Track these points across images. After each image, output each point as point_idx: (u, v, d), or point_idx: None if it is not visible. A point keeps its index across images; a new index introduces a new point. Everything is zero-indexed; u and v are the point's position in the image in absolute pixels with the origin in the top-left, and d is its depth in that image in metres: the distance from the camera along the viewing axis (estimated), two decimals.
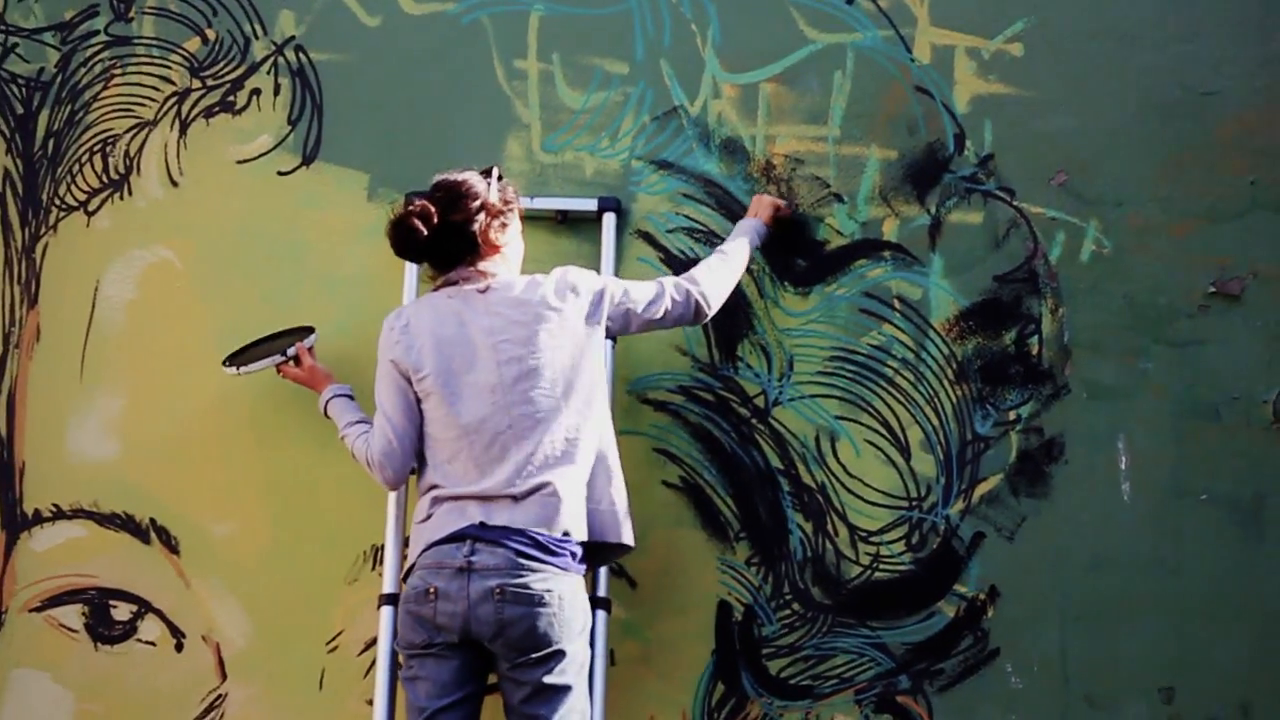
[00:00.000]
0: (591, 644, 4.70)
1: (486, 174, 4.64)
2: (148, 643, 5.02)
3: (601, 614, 4.79)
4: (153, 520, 5.04)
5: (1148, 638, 5.03)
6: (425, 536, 4.44)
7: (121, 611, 5.03)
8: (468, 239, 4.56)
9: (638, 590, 5.02)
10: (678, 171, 5.22)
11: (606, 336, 4.68)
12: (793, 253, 5.17)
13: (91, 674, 5.01)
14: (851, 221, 5.20)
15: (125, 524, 5.04)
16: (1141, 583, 5.06)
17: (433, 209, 4.52)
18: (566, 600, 4.36)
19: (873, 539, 5.09)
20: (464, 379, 4.47)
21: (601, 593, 4.82)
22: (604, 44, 5.27)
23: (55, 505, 5.05)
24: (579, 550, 4.44)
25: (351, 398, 4.79)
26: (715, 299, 4.82)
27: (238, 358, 4.91)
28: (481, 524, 4.37)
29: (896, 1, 5.28)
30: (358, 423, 4.68)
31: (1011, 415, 5.13)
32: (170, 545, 5.04)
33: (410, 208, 4.52)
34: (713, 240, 5.16)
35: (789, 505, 5.08)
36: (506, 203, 4.62)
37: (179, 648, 5.02)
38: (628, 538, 4.57)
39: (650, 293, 4.72)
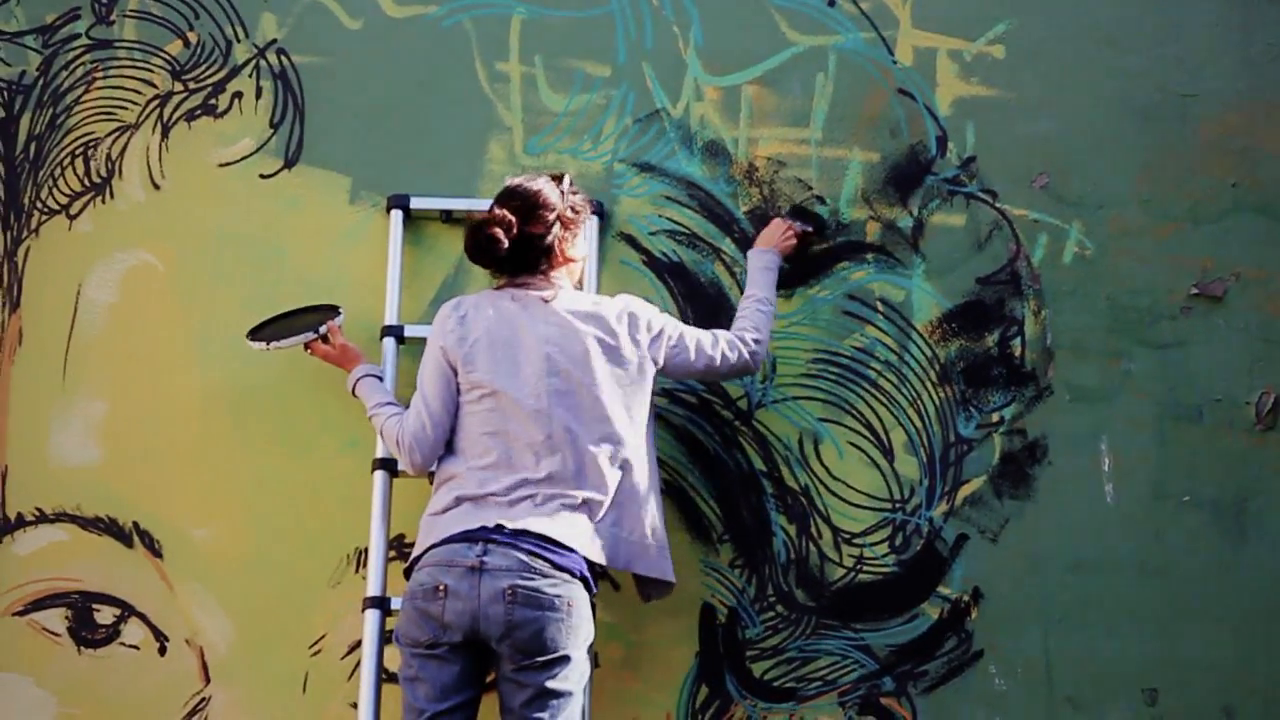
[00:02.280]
0: None
1: (557, 180, 4.64)
2: (131, 646, 5.01)
3: None
4: (136, 524, 5.03)
5: (1131, 639, 5.04)
6: (438, 531, 4.43)
7: (104, 615, 5.02)
8: (543, 251, 4.57)
9: (621, 593, 5.01)
10: (660, 174, 5.22)
11: (661, 370, 4.69)
12: None
13: (74, 678, 4.99)
14: (833, 223, 5.20)
15: (108, 528, 5.03)
16: (1125, 584, 5.07)
17: (513, 219, 4.51)
18: (576, 608, 4.36)
19: (856, 541, 5.09)
20: (512, 382, 4.48)
21: None
22: (586, 47, 5.26)
23: (38, 509, 5.04)
24: (585, 569, 4.43)
25: (381, 379, 4.81)
26: (765, 353, 4.86)
27: (260, 332, 4.90)
28: (498, 525, 4.37)
29: (878, 4, 5.28)
30: (388, 404, 4.71)
31: (995, 417, 5.14)
32: (153, 549, 5.03)
33: (490, 216, 4.52)
34: (695, 243, 5.17)
35: (773, 508, 5.08)
36: (577, 212, 4.63)
37: (162, 651, 5.01)
38: (659, 572, 4.59)
39: (706, 343, 4.73)
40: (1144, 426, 5.14)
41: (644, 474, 4.59)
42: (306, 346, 4.90)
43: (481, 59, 5.25)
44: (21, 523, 5.04)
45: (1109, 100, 5.27)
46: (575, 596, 4.36)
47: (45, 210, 5.17)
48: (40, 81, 5.23)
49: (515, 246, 4.53)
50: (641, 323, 4.63)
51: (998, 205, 5.21)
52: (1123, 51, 5.28)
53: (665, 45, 5.27)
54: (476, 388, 4.51)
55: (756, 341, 4.82)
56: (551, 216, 4.56)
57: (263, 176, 5.20)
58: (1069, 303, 5.18)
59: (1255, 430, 5.15)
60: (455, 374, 4.55)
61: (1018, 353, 5.17)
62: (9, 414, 5.09)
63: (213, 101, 5.23)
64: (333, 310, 4.94)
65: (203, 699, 4.99)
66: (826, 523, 5.09)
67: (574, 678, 4.37)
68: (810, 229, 5.16)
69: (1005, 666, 5.04)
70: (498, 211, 4.53)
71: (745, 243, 5.16)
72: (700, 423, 5.10)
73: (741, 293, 5.10)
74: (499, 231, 4.49)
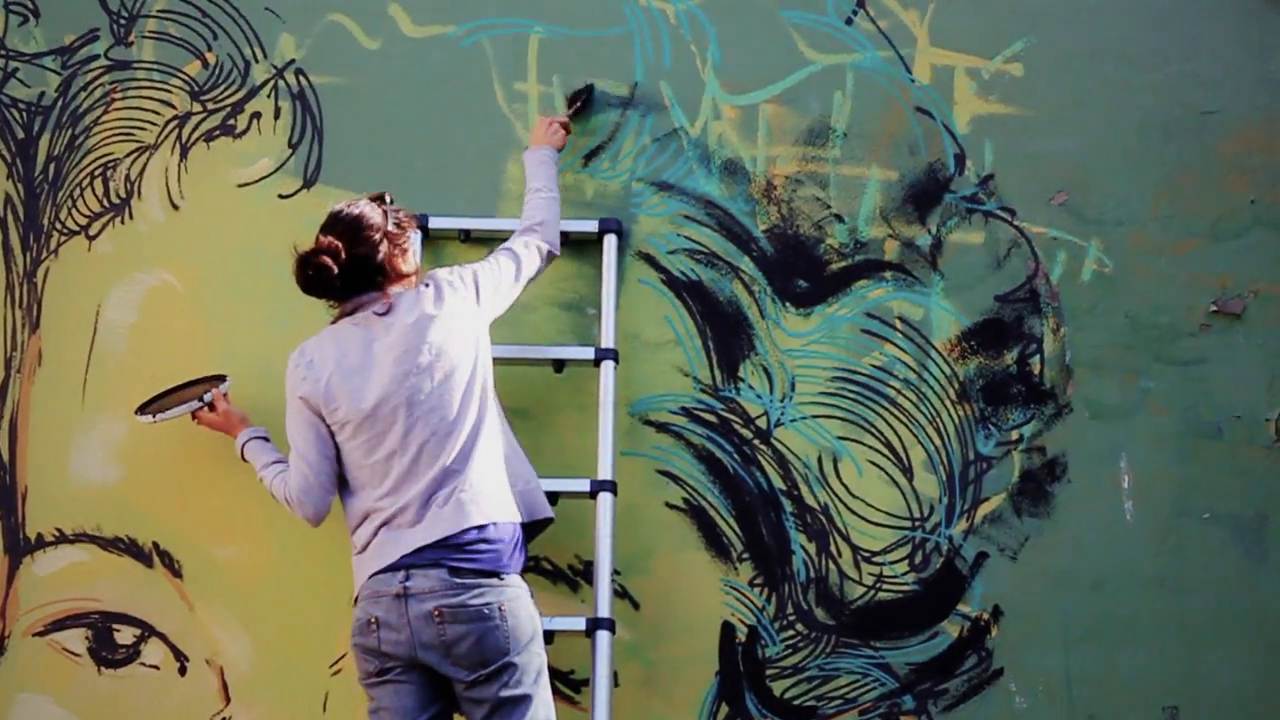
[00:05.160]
0: (594, 665, 4.76)
1: (378, 200, 4.64)
2: (151, 666, 5.02)
3: (605, 635, 4.80)
4: (155, 544, 5.04)
5: (1152, 657, 5.04)
6: (366, 567, 4.48)
7: (125, 635, 5.02)
8: (374, 269, 4.56)
9: (641, 611, 5.02)
10: (678, 193, 5.22)
11: (498, 312, 4.73)
12: (794, 274, 5.18)
13: (95, 698, 5.00)
14: (852, 241, 5.21)
15: (128, 548, 5.04)
16: (1145, 602, 5.06)
17: (339, 244, 4.51)
18: (509, 611, 4.37)
19: (876, 559, 5.09)
20: (377, 402, 4.47)
21: (605, 614, 4.82)
22: (604, 66, 5.27)
23: (58, 529, 5.05)
24: (515, 539, 4.48)
25: (267, 439, 4.81)
26: (557, 242, 4.93)
27: (150, 406, 4.93)
28: (417, 550, 4.39)
29: (896, 22, 5.29)
30: (275, 463, 4.72)
31: (1014, 435, 5.14)
32: (173, 569, 5.03)
33: (317, 245, 4.51)
34: (714, 262, 5.17)
35: (792, 526, 5.08)
36: (402, 228, 4.62)
37: (182, 671, 5.02)
38: (549, 510, 4.68)
39: (512, 265, 4.77)
40: (1164, 444, 5.14)
41: (501, 425, 4.64)
42: (194, 415, 4.92)
43: (500, 78, 5.26)
44: (42, 543, 5.05)
45: (1127, 117, 5.27)
46: (505, 599, 4.39)
47: (65, 231, 5.18)
48: (59, 102, 5.24)
49: (346, 271, 4.51)
50: (456, 283, 4.63)
51: (1016, 223, 5.22)
52: (1141, 69, 5.29)
53: (683, 64, 5.27)
54: (346, 424, 4.51)
55: (541, 224, 4.89)
56: (377, 236, 4.54)
57: (281, 196, 5.21)
58: (1088, 320, 5.18)
59: (1275, 447, 5.14)
60: (322, 419, 4.55)
61: (1037, 370, 5.16)
62: (29, 434, 5.09)
63: (231, 122, 5.24)
64: (218, 379, 4.96)
65: (223, 719, 4.99)
66: (846, 541, 5.09)
67: (527, 681, 4.39)
68: (579, 103, 5.20)
69: (1026, 684, 5.04)
70: (323, 240, 4.52)
71: (764, 261, 5.17)
72: (719, 441, 5.11)
73: (760, 312, 5.12)
74: (327, 259, 4.48)
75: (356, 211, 4.56)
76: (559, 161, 5.08)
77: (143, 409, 4.92)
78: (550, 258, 4.89)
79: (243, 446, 4.81)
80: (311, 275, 4.49)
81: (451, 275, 4.65)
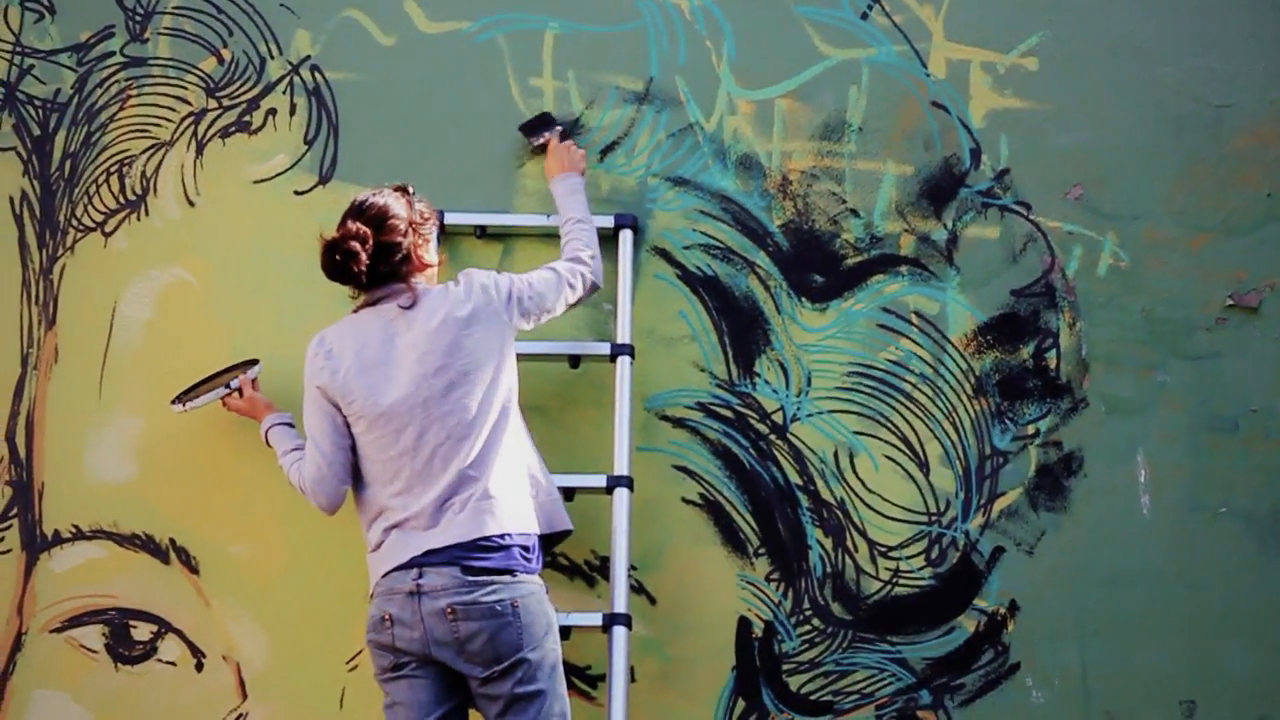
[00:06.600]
0: (611, 661, 4.77)
1: (401, 190, 4.64)
2: (168, 663, 5.02)
3: (622, 630, 4.80)
4: (172, 540, 5.04)
5: (1168, 651, 5.04)
6: (379, 566, 4.48)
7: (141, 632, 5.03)
8: (400, 259, 4.56)
9: (658, 607, 5.02)
10: (694, 188, 5.22)
11: (527, 326, 4.69)
12: (809, 269, 5.18)
13: (112, 694, 5.00)
14: (867, 236, 5.21)
15: (145, 544, 5.04)
16: (1161, 596, 5.07)
17: (367, 231, 4.51)
18: (522, 608, 4.38)
19: (892, 554, 5.09)
20: (394, 400, 4.47)
21: (621, 609, 4.82)
22: (619, 61, 5.27)
23: (75, 526, 5.05)
24: (530, 545, 4.47)
25: (291, 425, 4.82)
26: (602, 275, 4.90)
27: (185, 396, 4.94)
28: (428, 551, 4.40)
29: (911, 17, 5.29)
30: (295, 450, 4.72)
31: (1030, 429, 5.14)
32: (190, 565, 5.04)
33: (345, 231, 4.51)
34: (729, 257, 5.17)
35: (808, 521, 5.09)
36: (425, 218, 4.64)
37: (199, 667, 5.02)
38: (569, 523, 4.65)
39: (552, 282, 4.74)
40: (1179, 438, 5.14)
41: (525, 435, 4.64)
42: (223, 402, 4.94)
43: (515, 74, 5.26)
44: (58, 540, 5.05)
45: (1143, 112, 5.27)
46: (519, 595, 4.39)
47: (81, 228, 5.18)
48: (75, 99, 5.25)
49: (373, 260, 4.51)
50: (490, 288, 4.60)
51: (1032, 217, 5.22)
52: (1156, 63, 5.29)
53: (698, 59, 5.27)
54: (362, 417, 4.50)
55: (592, 258, 4.86)
56: (403, 225, 4.55)
57: (297, 193, 5.22)
58: (1104, 314, 5.19)
59: None
60: (338, 409, 4.55)
61: (1053, 365, 5.17)
62: (45, 431, 5.10)
63: (247, 118, 5.24)
64: (251, 363, 4.97)
65: (240, 715, 4.99)
66: (862, 536, 5.09)
67: (541, 676, 4.39)
68: (559, 127, 5.18)
69: (1042, 679, 5.04)
70: (351, 226, 4.52)
71: (780, 256, 5.17)
72: (736, 436, 5.11)
73: (776, 307, 5.12)
74: (356, 245, 4.48)
75: (383, 201, 4.56)
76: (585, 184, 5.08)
77: (178, 399, 4.92)
78: (594, 289, 4.87)
79: (267, 432, 4.82)
80: (339, 261, 4.49)
81: (487, 279, 4.62)
